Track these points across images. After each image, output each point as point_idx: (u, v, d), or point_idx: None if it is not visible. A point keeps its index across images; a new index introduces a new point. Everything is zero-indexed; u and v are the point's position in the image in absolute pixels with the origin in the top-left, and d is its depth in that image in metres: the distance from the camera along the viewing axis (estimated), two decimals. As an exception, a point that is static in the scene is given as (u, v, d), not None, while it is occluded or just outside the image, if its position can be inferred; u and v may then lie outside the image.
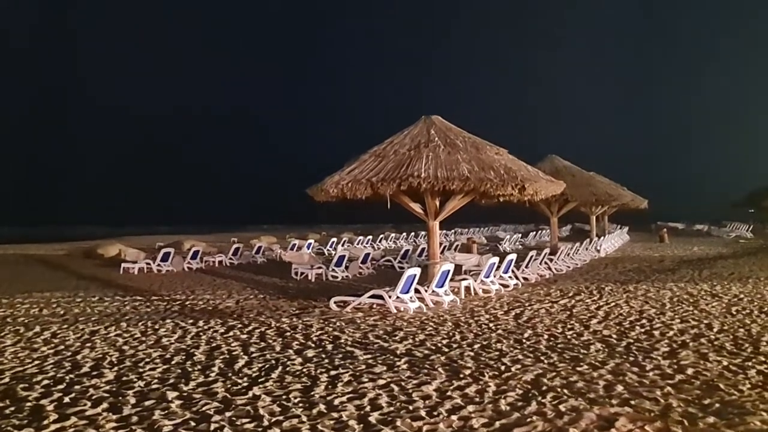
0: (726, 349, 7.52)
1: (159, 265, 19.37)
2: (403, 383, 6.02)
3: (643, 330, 8.90)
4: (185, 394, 5.69)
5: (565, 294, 12.99)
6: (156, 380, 6.23)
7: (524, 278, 15.66)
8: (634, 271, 17.97)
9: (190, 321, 10.12)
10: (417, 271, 11.27)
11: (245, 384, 6.04)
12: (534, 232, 39.81)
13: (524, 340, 8.21)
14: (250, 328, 9.48)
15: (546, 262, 17.72)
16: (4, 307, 11.91)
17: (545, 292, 13.41)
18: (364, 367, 6.73)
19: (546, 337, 8.46)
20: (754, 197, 40.86)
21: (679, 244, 30.45)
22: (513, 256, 14.75)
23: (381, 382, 6.08)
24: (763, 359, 6.92)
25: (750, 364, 6.69)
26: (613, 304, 11.54)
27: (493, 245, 29.93)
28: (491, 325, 9.48)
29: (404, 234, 35.99)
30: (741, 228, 40.49)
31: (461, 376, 6.28)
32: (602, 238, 25.94)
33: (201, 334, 9.01)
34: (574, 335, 8.57)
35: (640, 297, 12.37)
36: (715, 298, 11.99)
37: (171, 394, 5.65)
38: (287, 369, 6.67)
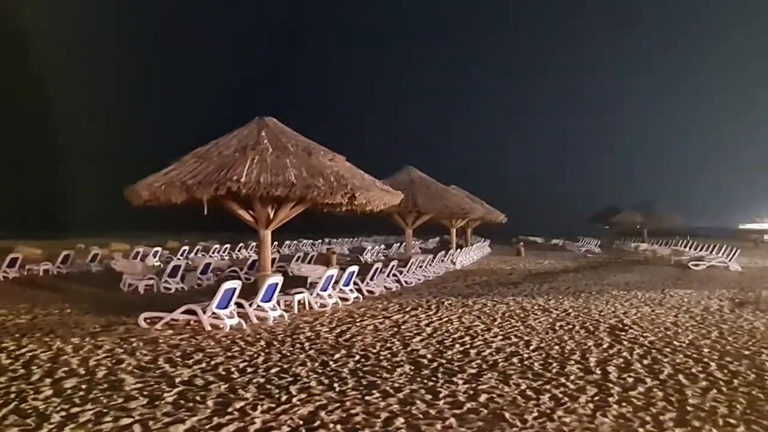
0: (533, 369, 7.21)
1: (-35, 273, 17.01)
2: (152, 422, 5.07)
3: (461, 348, 8.50)
4: None
5: (402, 308, 12.54)
6: None
7: (369, 291, 15.12)
8: (481, 284, 18.01)
9: (-45, 342, 8.55)
10: (236, 284, 10.33)
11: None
12: (399, 244, 39.88)
13: (331, 362, 7.51)
14: (24, 349, 8.12)
15: (395, 275, 17.35)
16: None
17: (384, 306, 12.90)
18: (120, 400, 5.70)
19: (357, 358, 7.82)
20: (605, 214, 43.42)
21: (533, 258, 31.50)
22: (354, 268, 14.15)
23: (126, 421, 5.08)
24: (563, 381, 6.64)
25: (548, 387, 6.36)
26: (445, 319, 11.19)
27: (355, 256, 29.44)
28: (307, 344, 8.72)
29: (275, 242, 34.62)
30: (591, 243, 42.84)
31: (230, 410, 5.42)
32: (460, 250, 26.19)
33: (-43, 358, 7.53)
34: (389, 355, 7.99)
35: (475, 312, 12.15)
36: (545, 313, 11.99)
37: None
38: (22, 405, 5.50)
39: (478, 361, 7.66)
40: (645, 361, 7.70)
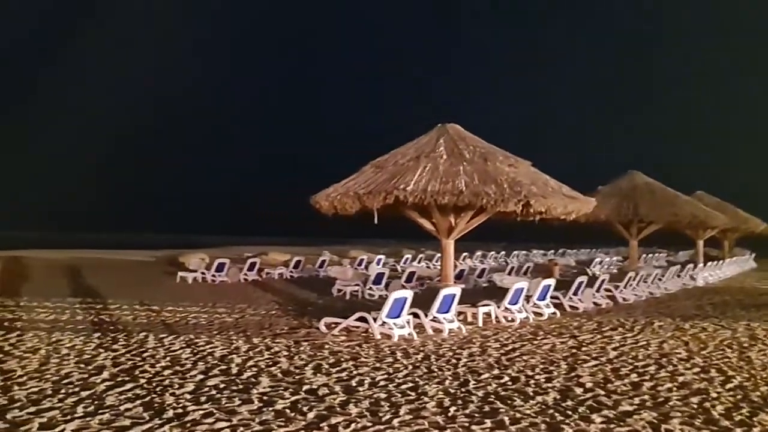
0: (709, 414, 5.85)
1: (213, 275, 19.58)
2: (243, 428, 5.13)
3: (636, 379, 7.29)
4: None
5: (599, 328, 11.29)
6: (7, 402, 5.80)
7: (572, 306, 13.95)
8: (717, 304, 15.50)
9: (163, 335, 9.78)
10: (407, 293, 10.23)
11: (79, 414, 5.42)
12: (644, 255, 36.27)
13: (472, 383, 6.97)
14: (209, 346, 8.96)
15: (609, 290, 15.78)
16: (22, 312, 12.33)
17: (579, 324, 11.75)
18: (237, 402, 5.90)
19: (505, 380, 7.15)
20: None
21: (808, 275, 26.31)
22: (550, 281, 13.14)
23: (222, 425, 5.22)
24: (739, 434, 5.25)
25: (710, 440, 5.08)
26: (642, 343, 9.78)
27: (582, 268, 27.53)
28: (464, 360, 8.25)
29: (492, 253, 34.12)
30: None
31: (323, 425, 5.27)
32: (704, 265, 22.94)
33: (151, 350, 8.59)
34: (542, 380, 7.17)
35: (687, 337, 10.44)
36: (778, 344, 9.81)
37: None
38: (156, 398, 5.99)
39: (645, 397, 6.46)
40: None
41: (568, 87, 75.31)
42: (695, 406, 6.16)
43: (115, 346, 8.78)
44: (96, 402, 5.82)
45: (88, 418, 5.27)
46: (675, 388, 6.90)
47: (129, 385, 6.51)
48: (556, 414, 5.73)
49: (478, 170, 10.32)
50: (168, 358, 8.03)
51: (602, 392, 6.64)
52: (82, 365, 7.51)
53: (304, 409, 5.74)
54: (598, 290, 15.12)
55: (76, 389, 6.31)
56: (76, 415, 5.36)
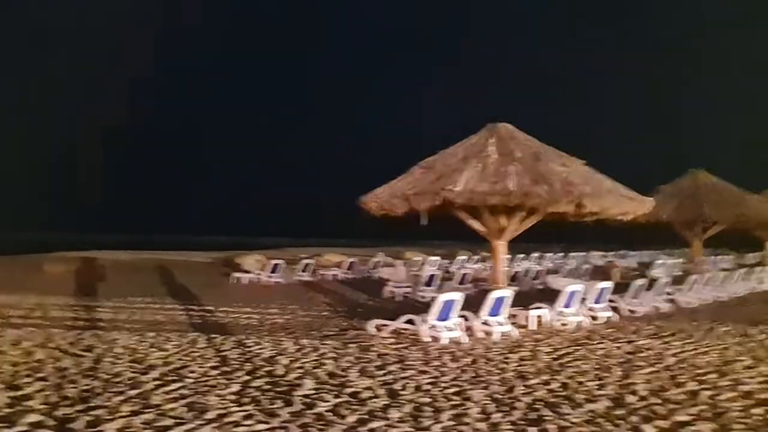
0: (774, 427, 5.49)
1: (268, 276, 19.86)
2: (281, 431, 5.12)
3: (694, 387, 6.93)
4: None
5: (657, 333, 10.83)
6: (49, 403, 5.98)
7: (630, 310, 13.44)
8: (788, 309, 14.67)
9: (214, 336, 9.95)
10: (457, 296, 10.06)
11: (124, 413, 5.52)
12: (713, 257, 34.68)
13: (519, 388, 6.77)
14: (256, 347, 9.04)
15: (672, 293, 15.14)
16: (83, 311, 12.81)
17: (636, 328, 11.30)
18: (278, 405, 5.90)
19: (554, 386, 6.92)
20: None
21: None
22: (607, 284, 12.70)
23: (261, 426, 5.21)
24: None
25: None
26: (703, 350, 9.31)
27: (642, 270, 26.56)
28: (513, 365, 8.05)
29: (550, 254, 33.30)
30: None
31: (362, 430, 5.19)
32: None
33: (201, 350, 8.74)
34: (594, 387, 6.90)
35: (753, 344, 9.88)
36: None
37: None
38: (199, 399, 6.05)
39: (703, 407, 6.12)
40: None
41: (627, 83, 73.60)
42: (758, 417, 5.79)
43: (166, 346, 8.96)
44: (142, 401, 5.92)
45: (132, 417, 5.37)
46: (737, 398, 6.51)
47: (175, 385, 6.61)
48: (606, 423, 5.48)
49: (529, 170, 10.06)
50: (217, 359, 8.14)
51: (657, 401, 6.33)
52: (134, 364, 7.69)
53: (345, 412, 5.68)
54: (658, 293, 14.54)
55: (125, 388, 6.45)
56: (120, 414, 5.47)
